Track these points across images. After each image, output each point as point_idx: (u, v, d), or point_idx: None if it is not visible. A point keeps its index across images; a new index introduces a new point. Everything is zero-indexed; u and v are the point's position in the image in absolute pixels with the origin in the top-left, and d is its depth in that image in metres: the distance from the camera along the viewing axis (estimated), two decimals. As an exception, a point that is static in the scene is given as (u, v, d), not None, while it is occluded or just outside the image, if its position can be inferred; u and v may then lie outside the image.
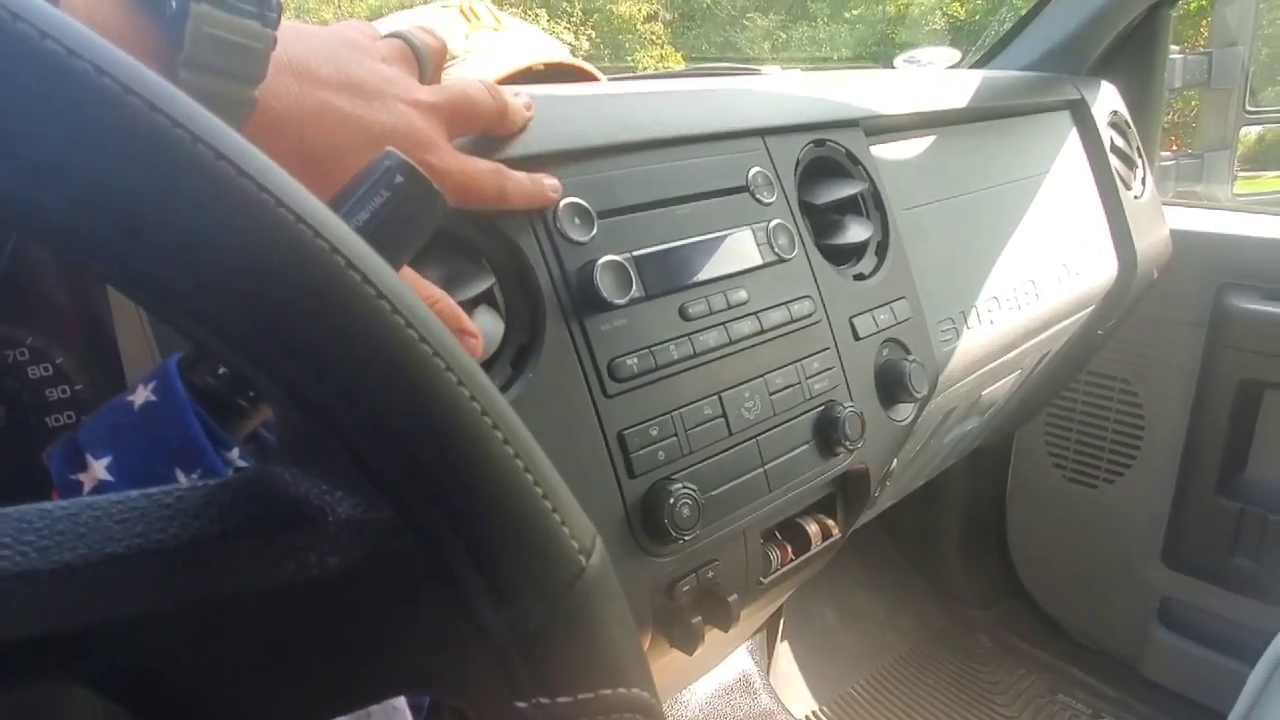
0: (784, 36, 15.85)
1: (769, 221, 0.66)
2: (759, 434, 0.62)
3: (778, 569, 0.67)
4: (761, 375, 0.63)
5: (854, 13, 15.32)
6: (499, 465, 0.19)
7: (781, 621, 1.30)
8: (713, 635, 0.80)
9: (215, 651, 0.18)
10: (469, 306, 0.50)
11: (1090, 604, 1.46)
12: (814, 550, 0.69)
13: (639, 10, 17.36)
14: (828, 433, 0.66)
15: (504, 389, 0.51)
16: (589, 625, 0.20)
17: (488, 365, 0.51)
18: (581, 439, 0.53)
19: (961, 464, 1.47)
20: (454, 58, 0.75)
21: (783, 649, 1.29)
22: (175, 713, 0.18)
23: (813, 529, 0.69)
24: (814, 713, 1.25)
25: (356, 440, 0.18)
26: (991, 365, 0.96)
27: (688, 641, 0.60)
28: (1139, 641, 1.40)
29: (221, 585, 0.17)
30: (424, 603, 0.19)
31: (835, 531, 0.71)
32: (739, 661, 1.15)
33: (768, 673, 1.20)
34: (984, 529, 1.55)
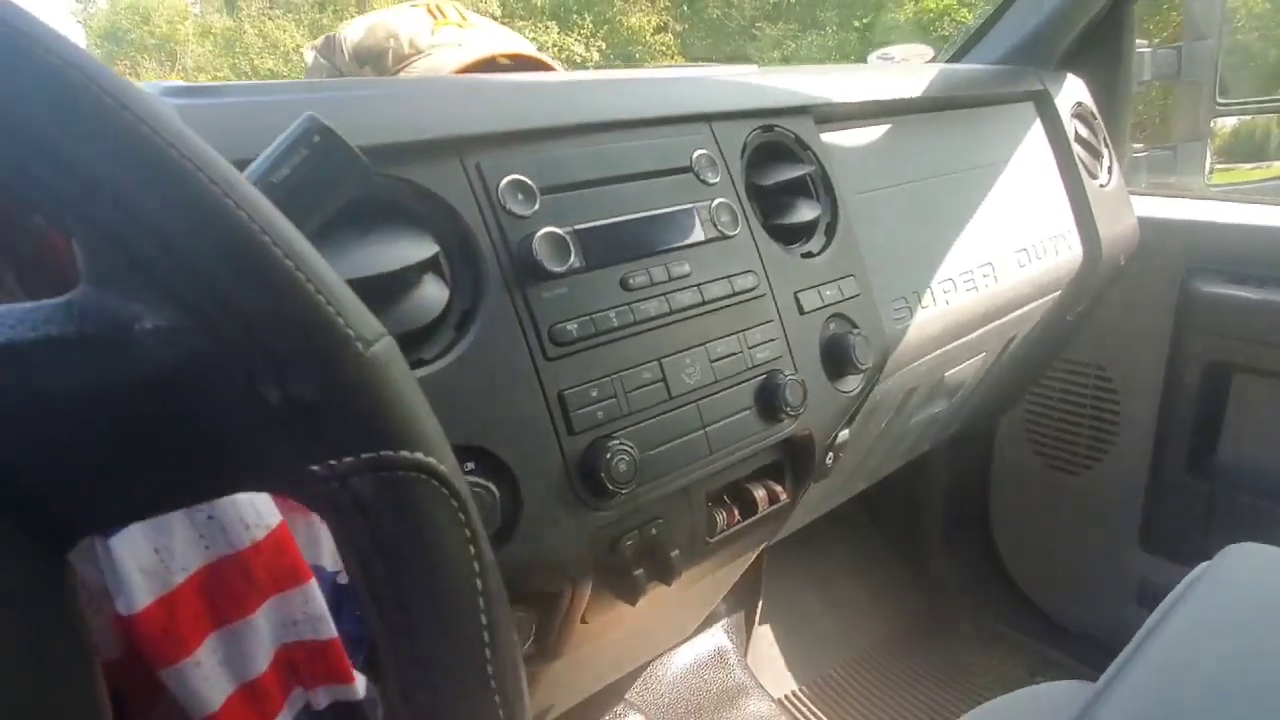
0: (793, 45, 15.92)
1: (712, 200, 0.70)
2: (700, 399, 0.66)
3: (724, 530, 0.70)
4: (703, 344, 0.67)
5: (863, 21, 15.37)
6: (279, 273, 0.23)
7: (760, 603, 1.33)
8: (679, 599, 0.84)
9: (54, 444, 0.22)
10: (415, 273, 0.54)
11: (1071, 587, 1.49)
12: (760, 514, 0.72)
13: (649, 21, 17.48)
14: (769, 399, 0.69)
15: (447, 350, 0.55)
16: (368, 397, 0.23)
17: (433, 328, 0.55)
18: (523, 397, 0.57)
19: (944, 452, 1.50)
20: (420, 52, 0.80)
21: (762, 631, 1.32)
22: (18, 504, 0.22)
23: (759, 494, 0.73)
24: (792, 693, 1.28)
25: (146, 260, 0.21)
26: (951, 346, 1.00)
27: (629, 592, 0.63)
28: (1119, 624, 1.42)
29: (46, 383, 0.21)
30: (227, 396, 0.22)
31: (783, 497, 0.74)
32: (714, 639, 1.18)
33: (745, 653, 1.23)
34: (967, 515, 1.57)
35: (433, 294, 0.56)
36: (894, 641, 1.45)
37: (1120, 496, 1.42)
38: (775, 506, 0.74)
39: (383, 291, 0.53)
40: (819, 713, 1.24)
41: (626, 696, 1.02)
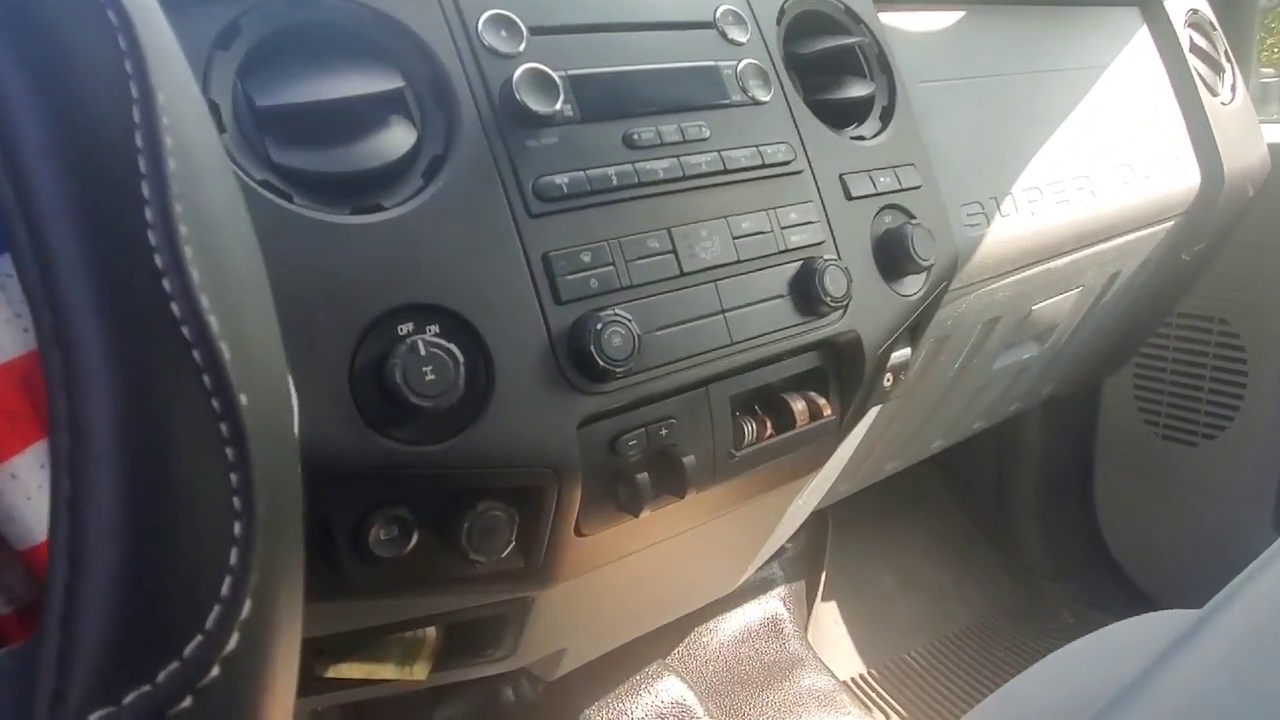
0: None
1: (739, 61, 0.61)
2: (718, 278, 0.56)
3: (753, 443, 0.60)
4: (723, 216, 0.57)
5: None
6: None
7: (824, 576, 1.21)
8: (713, 545, 0.74)
9: None
10: (375, 109, 0.47)
11: (1189, 576, 1.30)
12: (799, 429, 0.62)
13: None
14: (806, 288, 0.59)
15: (411, 198, 0.47)
16: None
17: (397, 173, 0.48)
18: (500, 257, 0.49)
19: (1039, 420, 1.35)
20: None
21: (826, 608, 1.20)
22: None
23: (799, 406, 0.62)
24: (860, 676, 1.15)
25: None
26: (1038, 269, 0.87)
27: (631, 500, 0.54)
28: (1248, 618, 1.23)
29: None
30: None
31: (826, 412, 0.64)
32: (768, 606, 1.07)
33: (805, 628, 1.11)
34: (1066, 493, 1.41)
35: (397, 135, 0.48)
36: (982, 629, 1.30)
37: (1247, 472, 1.23)
38: (817, 423, 0.63)
39: (335, 124, 0.46)
40: (889, 698, 1.11)
41: (664, 659, 0.92)
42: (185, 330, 0.17)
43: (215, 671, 0.17)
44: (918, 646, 1.23)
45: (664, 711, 0.86)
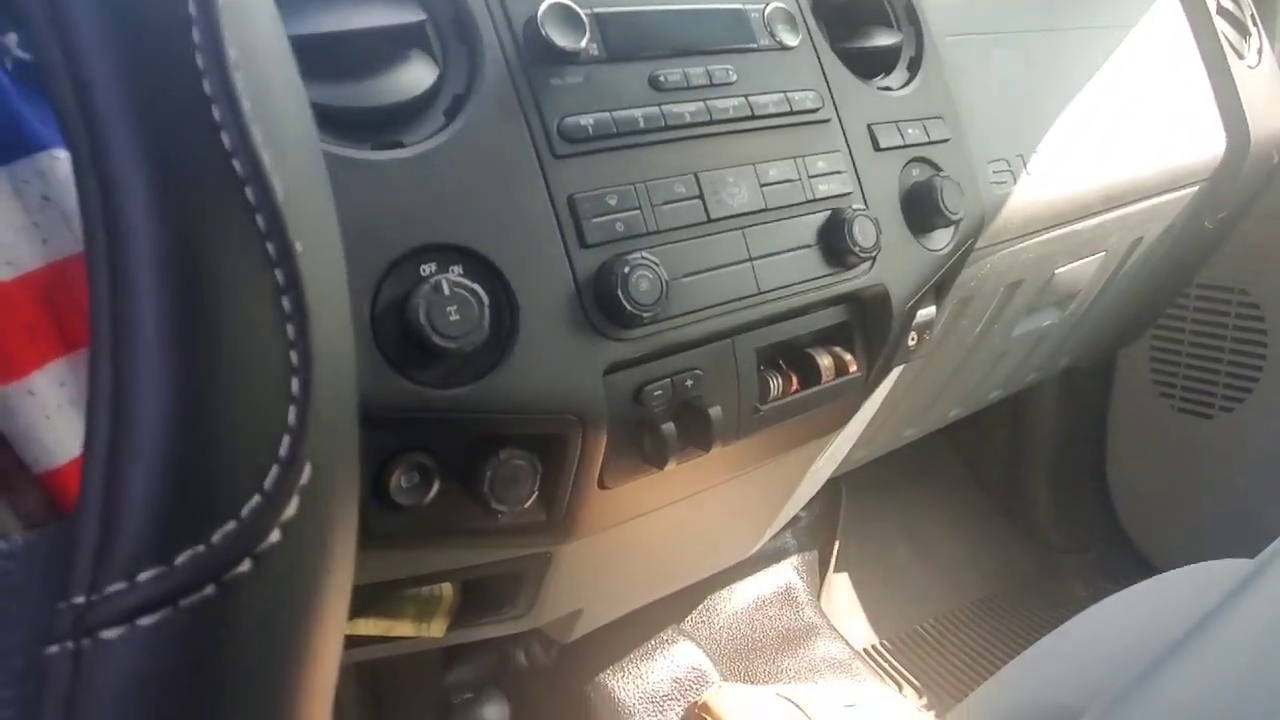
0: None
1: (766, 5, 0.59)
2: (746, 225, 0.55)
3: (778, 398, 0.59)
4: (750, 163, 0.56)
5: None
6: None
7: (837, 546, 1.20)
8: (734, 507, 0.73)
9: None
10: (394, 43, 0.45)
11: (1202, 550, 1.29)
12: (824, 385, 0.61)
13: None
14: (834, 239, 0.58)
15: (432, 136, 0.46)
16: None
17: (417, 111, 0.46)
18: (524, 199, 0.48)
19: (1054, 390, 1.34)
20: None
21: (839, 578, 1.19)
22: None
23: (825, 361, 0.61)
24: (873, 646, 1.15)
25: None
26: (1062, 230, 0.85)
27: (656, 451, 0.53)
28: (1262, 591, 1.23)
29: None
30: None
31: (853, 369, 0.62)
32: (781, 575, 1.06)
33: (818, 596, 1.10)
34: (1079, 466, 1.39)
35: (418, 71, 0.47)
36: (995, 601, 1.29)
37: (1264, 444, 1.22)
38: (843, 379, 0.62)
39: (354, 58, 0.44)
40: (901, 667, 1.11)
41: (678, 625, 0.91)
42: (236, 164, 0.15)
43: (275, 537, 0.16)
44: (930, 618, 1.22)
45: (679, 676, 0.85)
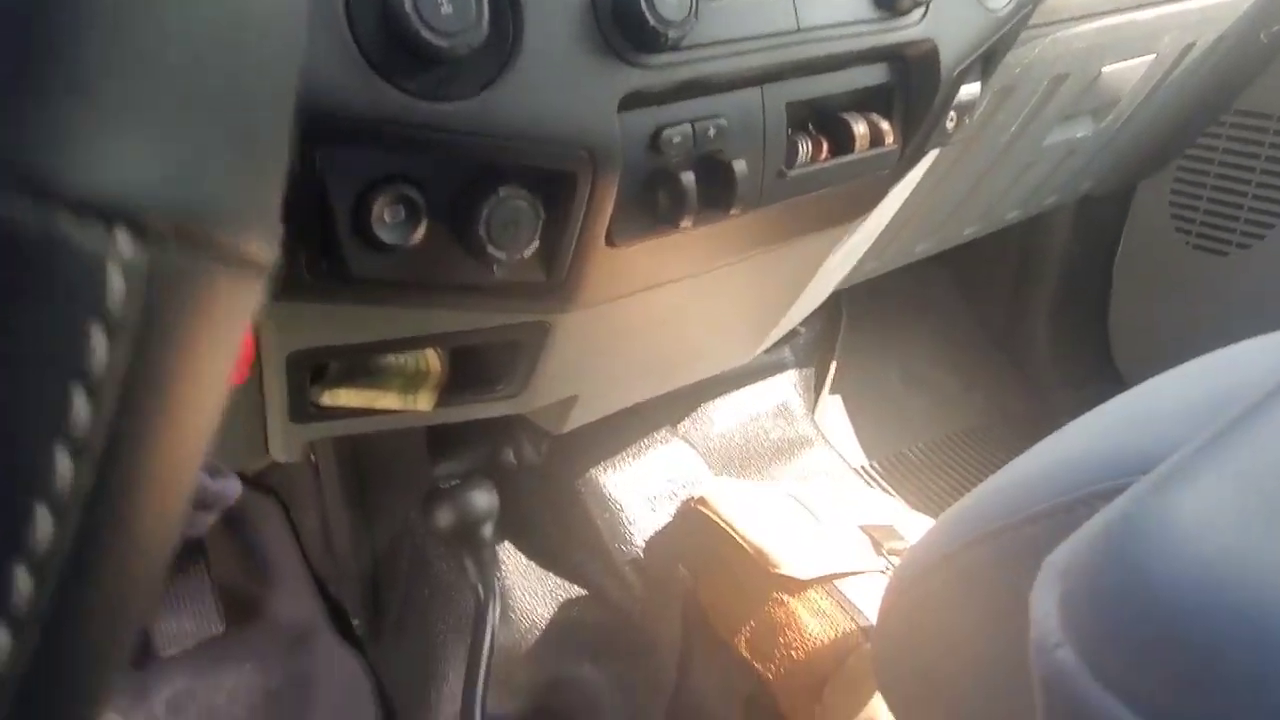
0: None
1: None
2: (788, -50, 0.47)
3: (806, 163, 0.53)
4: (796, -125, 0.47)
5: None
6: None
7: (834, 366, 1.17)
8: (741, 302, 0.68)
9: None
10: None
11: (1198, 388, 1.28)
12: (857, 154, 0.55)
13: None
14: (884, -22, 0.50)
15: None
16: None
17: None
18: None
19: (1067, 220, 1.28)
20: None
21: (833, 401, 1.18)
22: None
23: (859, 128, 0.55)
24: (862, 467, 1.14)
25: None
26: (1118, 19, 0.77)
27: (674, 204, 0.47)
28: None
29: None
30: None
31: (889, 139, 0.56)
32: (777, 390, 1.04)
33: (812, 410, 1.09)
34: (1081, 304, 1.36)
35: None
36: (984, 430, 1.29)
37: (1277, 282, 1.19)
38: (876, 150, 0.56)
39: None
40: (888, 487, 1.11)
41: (673, 427, 0.89)
42: None
43: None
44: (919, 443, 1.22)
45: (672, 475, 0.84)
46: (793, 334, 1.08)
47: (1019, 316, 1.38)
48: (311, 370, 0.52)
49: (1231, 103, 1.15)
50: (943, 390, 1.31)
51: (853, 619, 0.65)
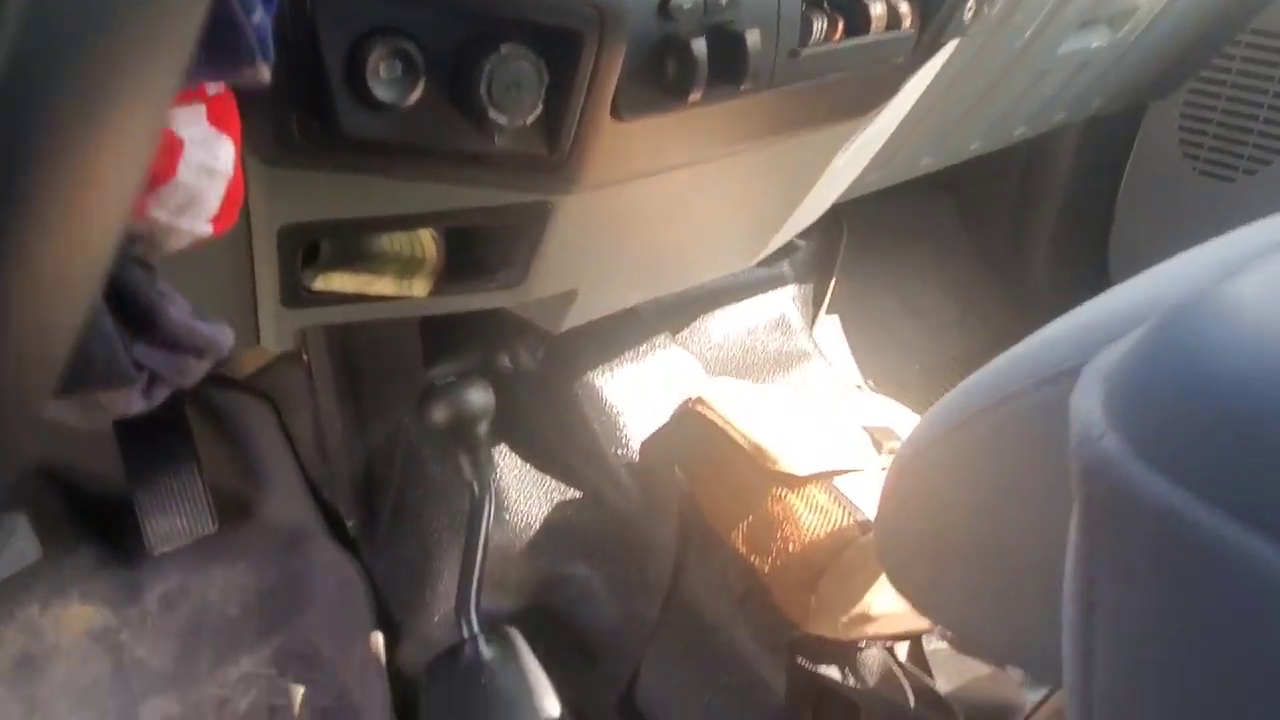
0: None
1: None
2: None
3: (819, 41, 0.51)
4: None
5: None
6: None
7: (832, 285, 1.16)
8: (745, 208, 0.67)
9: None
10: None
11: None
12: (872, 36, 0.52)
13: None
14: None
15: None
16: None
17: None
18: None
19: (1073, 142, 1.26)
20: None
21: (830, 321, 1.17)
22: None
23: (876, 9, 0.52)
24: (859, 387, 1.14)
25: None
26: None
27: (684, 75, 0.45)
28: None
29: None
30: None
31: (907, 23, 0.54)
32: (776, 304, 1.03)
33: (810, 326, 1.08)
34: (1083, 232, 1.35)
35: None
36: (978, 358, 1.27)
37: (1283, 210, 1.17)
38: (893, 34, 0.54)
39: None
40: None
41: (671, 334, 0.88)
42: None
43: None
44: (915, 366, 1.21)
45: (669, 379, 0.83)
46: (791, 248, 1.06)
47: (1019, 243, 1.37)
48: (304, 251, 0.51)
49: (1250, 20, 1.12)
50: (940, 316, 1.31)
51: (850, 514, 0.65)
